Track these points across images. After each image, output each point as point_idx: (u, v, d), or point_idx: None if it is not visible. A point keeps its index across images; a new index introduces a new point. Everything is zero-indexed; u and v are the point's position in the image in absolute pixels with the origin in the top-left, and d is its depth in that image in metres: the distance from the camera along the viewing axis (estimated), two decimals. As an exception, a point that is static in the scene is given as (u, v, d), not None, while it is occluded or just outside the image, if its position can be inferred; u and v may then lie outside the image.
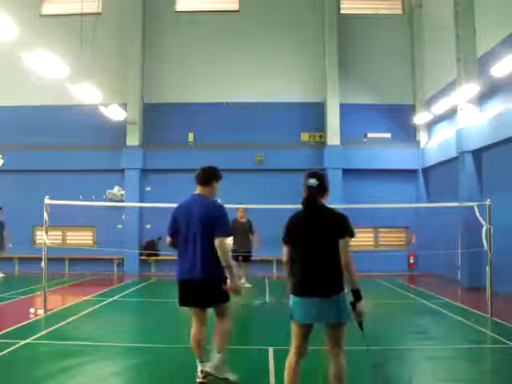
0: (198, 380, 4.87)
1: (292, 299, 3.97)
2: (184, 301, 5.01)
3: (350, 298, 3.91)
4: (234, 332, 8.19)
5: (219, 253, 4.76)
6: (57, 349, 6.38)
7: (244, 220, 12.35)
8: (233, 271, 4.90)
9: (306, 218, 4.09)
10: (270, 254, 15.17)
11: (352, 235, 3.98)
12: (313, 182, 4.09)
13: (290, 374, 3.97)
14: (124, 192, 16.55)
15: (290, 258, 4.08)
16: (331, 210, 4.10)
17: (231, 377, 4.99)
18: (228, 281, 4.85)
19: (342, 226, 3.96)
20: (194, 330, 5.02)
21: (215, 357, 4.98)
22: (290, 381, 3.97)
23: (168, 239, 5.12)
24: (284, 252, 4.14)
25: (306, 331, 3.97)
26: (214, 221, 4.83)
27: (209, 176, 5.13)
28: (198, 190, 5.12)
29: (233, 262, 13.02)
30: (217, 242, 4.76)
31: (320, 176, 4.17)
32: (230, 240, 12.16)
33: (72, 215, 15.04)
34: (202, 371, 4.87)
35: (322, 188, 4.13)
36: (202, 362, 4.94)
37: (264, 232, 15.42)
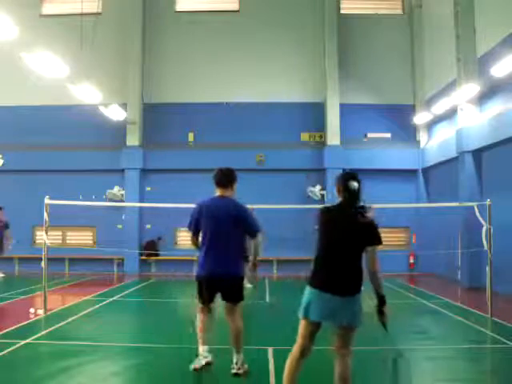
0: (205, 360, 5.30)
1: (309, 293, 3.94)
2: (210, 295, 5.31)
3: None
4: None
5: (256, 247, 5.38)
6: (57, 349, 6.38)
7: None
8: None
9: (340, 219, 4.05)
10: (270, 254, 15.17)
11: (381, 242, 4.09)
12: (355, 185, 4.05)
13: (292, 374, 3.93)
14: (124, 192, 16.54)
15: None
16: (364, 216, 4.10)
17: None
18: (252, 264, 5.52)
19: (374, 234, 4.04)
20: (203, 322, 5.37)
21: (239, 358, 5.30)
22: (290, 381, 3.93)
23: (192, 237, 5.44)
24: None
25: (315, 330, 3.96)
26: (244, 220, 5.29)
27: (231, 178, 5.62)
28: (219, 191, 5.46)
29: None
30: (258, 237, 5.34)
31: (360, 181, 4.11)
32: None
33: (72, 215, 15.04)
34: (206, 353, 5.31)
35: (360, 192, 4.09)
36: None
37: (264, 232, 15.45)
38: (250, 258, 5.46)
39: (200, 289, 5.32)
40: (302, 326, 3.98)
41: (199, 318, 5.38)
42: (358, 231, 3.99)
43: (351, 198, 4.03)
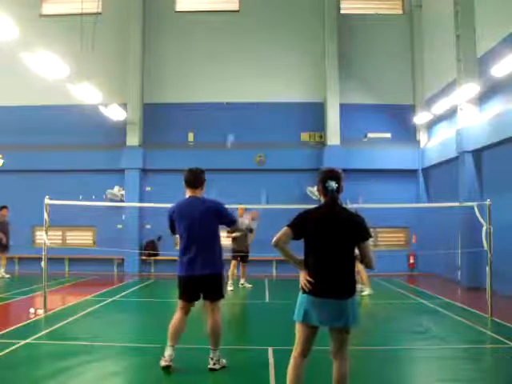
0: (164, 363, 5.31)
1: (305, 299, 3.85)
2: (191, 295, 5.40)
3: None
4: (234, 332, 8.21)
5: (236, 233, 5.79)
6: (57, 349, 6.38)
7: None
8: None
9: (328, 218, 3.91)
10: (270, 254, 15.16)
11: (371, 236, 3.98)
12: (333, 184, 3.92)
13: (296, 377, 3.88)
14: (124, 192, 16.54)
15: (282, 241, 3.91)
16: (349, 211, 4.01)
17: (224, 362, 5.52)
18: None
19: (363, 229, 3.90)
20: (178, 320, 5.41)
21: (215, 354, 5.41)
22: (295, 382, 3.88)
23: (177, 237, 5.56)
24: (282, 233, 3.92)
25: (313, 334, 3.90)
26: (220, 213, 5.43)
27: (201, 178, 5.59)
28: (190, 192, 5.50)
29: (233, 262, 13.11)
30: (233, 229, 5.85)
31: (338, 177, 3.99)
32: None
33: (72, 215, 15.03)
34: (170, 355, 5.34)
35: (340, 189, 3.98)
36: (173, 346, 5.39)
37: (264, 232, 15.43)
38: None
39: (180, 289, 5.44)
40: (298, 330, 3.91)
41: (176, 316, 5.45)
42: (346, 229, 3.87)
43: (331, 198, 3.93)
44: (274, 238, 3.93)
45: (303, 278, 3.90)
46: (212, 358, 5.38)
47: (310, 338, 3.89)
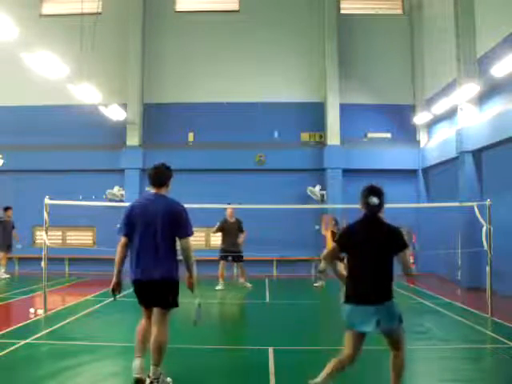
0: (136, 376, 4.75)
1: (348, 308, 4.20)
2: (146, 300, 4.98)
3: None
4: (234, 332, 8.21)
5: (186, 252, 4.85)
6: (57, 349, 6.38)
7: (233, 220, 12.52)
8: (194, 268, 4.96)
9: (369, 231, 4.27)
10: (271, 254, 15.17)
11: (408, 246, 4.33)
12: (375, 200, 4.27)
13: (335, 371, 4.25)
14: (124, 192, 16.54)
15: (333, 258, 4.45)
16: (388, 224, 4.35)
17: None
18: (188, 275, 4.95)
19: (401, 240, 4.25)
20: (142, 328, 4.97)
21: (156, 372, 4.70)
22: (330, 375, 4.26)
23: (123, 240, 4.90)
24: (331, 249, 4.45)
25: (360, 340, 4.22)
26: (179, 219, 4.89)
27: (168, 176, 5.16)
28: (154, 189, 5.07)
29: (221, 262, 12.86)
30: (183, 242, 4.85)
31: (380, 194, 4.34)
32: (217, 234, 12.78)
33: (72, 215, 15.03)
34: (141, 367, 4.79)
35: (381, 205, 4.33)
36: (140, 357, 4.86)
37: (264, 232, 15.48)
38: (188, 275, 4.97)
39: (136, 294, 5.05)
40: (347, 337, 4.23)
41: (140, 324, 5.02)
42: (386, 241, 4.21)
43: (372, 212, 4.28)
44: (323, 254, 4.56)
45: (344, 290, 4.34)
46: (149, 376, 4.67)
47: (357, 344, 4.22)
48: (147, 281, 4.83)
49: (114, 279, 4.99)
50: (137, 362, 4.78)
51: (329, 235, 12.78)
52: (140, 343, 4.88)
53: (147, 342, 4.82)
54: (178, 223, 4.86)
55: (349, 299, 4.21)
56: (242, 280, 12.69)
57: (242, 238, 12.47)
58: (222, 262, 12.39)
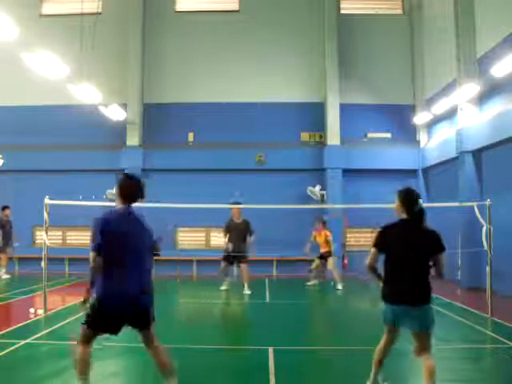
0: None
1: (386, 307, 4.42)
2: (115, 322, 4.56)
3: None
4: (234, 332, 8.21)
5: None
6: (57, 349, 6.38)
7: (239, 220, 11.92)
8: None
9: (410, 233, 4.40)
10: (271, 254, 15.17)
11: (445, 248, 4.45)
12: (421, 204, 4.47)
13: (383, 354, 4.68)
14: (124, 192, 16.51)
15: (375, 262, 4.49)
16: (427, 227, 4.51)
17: None
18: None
19: (440, 242, 4.40)
20: (86, 351, 4.63)
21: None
22: (381, 354, 4.65)
23: (96, 258, 4.34)
24: (372, 255, 4.48)
25: (396, 334, 4.56)
26: (152, 235, 4.91)
27: (144, 191, 4.75)
28: (126, 202, 4.61)
29: (222, 264, 12.23)
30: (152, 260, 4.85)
31: (420, 198, 4.55)
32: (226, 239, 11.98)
33: (72, 215, 15.02)
34: None
35: (423, 211, 4.51)
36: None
37: (264, 232, 15.44)
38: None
39: (96, 314, 4.44)
40: (385, 330, 4.60)
41: (79, 352, 4.55)
42: (426, 243, 4.35)
43: (420, 216, 4.44)
44: (367, 263, 4.48)
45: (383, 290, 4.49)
46: None
47: (392, 337, 4.57)
48: (128, 304, 4.66)
49: None
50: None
51: (322, 238, 13.15)
52: (85, 376, 4.56)
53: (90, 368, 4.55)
54: (152, 237, 5.13)
55: (385, 298, 4.40)
56: (245, 286, 11.81)
57: (250, 240, 11.72)
58: (223, 264, 11.75)
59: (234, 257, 11.57)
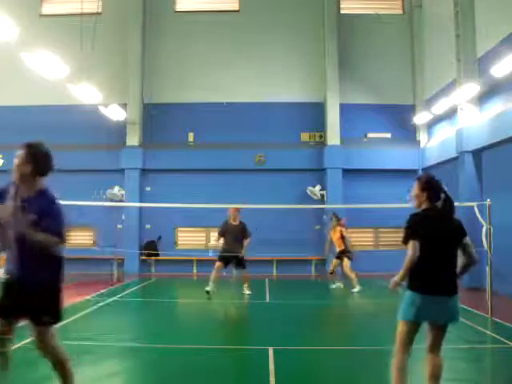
0: None
1: (416, 298, 3.98)
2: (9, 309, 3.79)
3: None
4: (234, 332, 8.22)
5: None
6: (57, 349, 6.37)
7: (236, 222, 11.09)
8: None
9: (443, 222, 4.29)
10: (270, 254, 15.17)
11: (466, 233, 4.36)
12: (447, 192, 4.41)
13: (405, 374, 4.06)
14: (124, 192, 16.54)
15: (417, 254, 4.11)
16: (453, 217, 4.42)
17: None
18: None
19: (463, 228, 4.39)
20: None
21: None
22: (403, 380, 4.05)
23: None
24: (413, 247, 4.10)
25: (417, 331, 4.07)
26: (48, 219, 3.79)
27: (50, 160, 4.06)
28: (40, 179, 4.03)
29: (217, 263, 11.22)
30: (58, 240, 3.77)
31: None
32: (220, 241, 11.13)
33: (72, 215, 15.01)
34: None
35: (451, 201, 4.43)
36: None
37: (264, 232, 15.48)
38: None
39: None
40: (403, 329, 4.03)
41: None
42: (456, 230, 4.31)
43: (450, 204, 4.38)
44: (412, 258, 4.06)
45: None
46: None
47: (414, 334, 4.06)
48: (18, 284, 3.74)
49: None
50: None
51: (337, 235, 12.38)
52: None
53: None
54: (47, 217, 3.81)
55: (416, 288, 4.00)
56: (245, 285, 11.43)
57: (246, 243, 10.96)
58: (217, 264, 10.87)
59: (230, 258, 10.96)
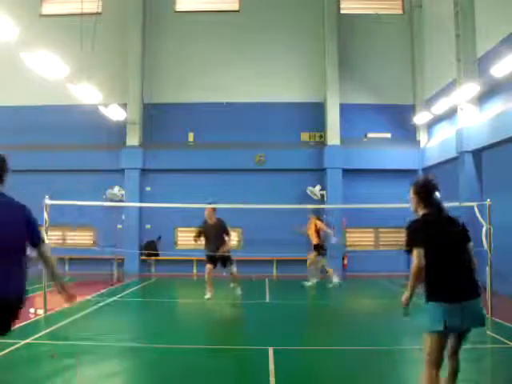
0: None
1: (442, 309, 3.77)
2: None
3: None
4: (234, 332, 8.22)
5: (50, 261, 3.99)
6: (57, 349, 6.38)
7: (213, 221, 10.82)
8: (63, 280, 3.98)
9: (443, 225, 4.04)
10: (270, 254, 15.17)
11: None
12: (438, 195, 4.14)
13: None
14: (124, 192, 16.54)
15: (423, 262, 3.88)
16: (451, 215, 4.19)
17: None
18: (61, 289, 4.10)
19: (467, 230, 4.11)
20: None
21: None
22: None
23: None
24: (418, 255, 3.84)
25: (447, 342, 3.92)
26: (33, 224, 4.02)
27: (6, 167, 4.07)
28: None
29: (207, 266, 11.10)
30: (44, 248, 3.97)
31: (439, 188, 4.24)
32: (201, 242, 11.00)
33: (72, 215, 15.03)
34: None
35: (441, 206, 4.15)
36: None
37: (264, 232, 15.49)
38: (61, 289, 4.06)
39: None
40: (434, 342, 3.85)
41: None
42: (459, 231, 4.06)
43: (439, 208, 4.09)
44: (418, 266, 3.84)
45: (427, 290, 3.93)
46: None
47: (445, 346, 3.90)
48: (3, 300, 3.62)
49: None
50: None
51: (312, 228, 12.77)
52: None
53: None
54: (33, 226, 4.03)
55: (439, 298, 3.79)
56: (232, 285, 11.21)
57: (228, 241, 10.67)
58: (208, 267, 10.57)
59: (216, 258, 10.68)
